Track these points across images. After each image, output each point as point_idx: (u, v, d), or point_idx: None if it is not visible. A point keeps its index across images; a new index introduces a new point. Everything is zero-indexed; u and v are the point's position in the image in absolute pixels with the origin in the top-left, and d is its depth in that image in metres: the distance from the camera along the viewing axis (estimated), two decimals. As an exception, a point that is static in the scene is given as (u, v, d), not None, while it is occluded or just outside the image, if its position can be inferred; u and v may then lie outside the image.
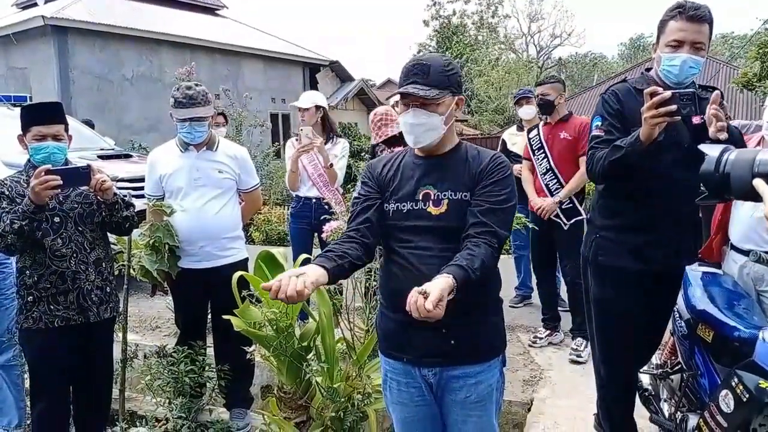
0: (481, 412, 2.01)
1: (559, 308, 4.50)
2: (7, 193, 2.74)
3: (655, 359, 3.12)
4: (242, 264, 3.36)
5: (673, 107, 2.21)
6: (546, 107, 4.23)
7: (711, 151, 2.09)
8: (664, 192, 2.50)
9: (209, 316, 3.55)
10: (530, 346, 4.27)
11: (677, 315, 2.91)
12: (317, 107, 4.41)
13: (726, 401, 2.25)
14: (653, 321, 2.72)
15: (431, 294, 1.59)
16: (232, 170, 3.38)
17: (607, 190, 2.70)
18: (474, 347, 1.97)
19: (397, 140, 3.53)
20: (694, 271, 2.97)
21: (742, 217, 2.78)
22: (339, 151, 4.45)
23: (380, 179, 2.06)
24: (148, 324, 5.25)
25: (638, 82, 2.58)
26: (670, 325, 3.07)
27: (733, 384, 2.21)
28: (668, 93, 2.21)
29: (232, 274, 3.06)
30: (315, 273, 1.74)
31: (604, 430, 2.91)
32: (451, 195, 1.94)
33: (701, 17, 2.42)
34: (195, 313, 3.46)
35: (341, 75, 20.94)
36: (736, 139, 2.36)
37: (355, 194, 2.14)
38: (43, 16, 12.21)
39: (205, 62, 14.46)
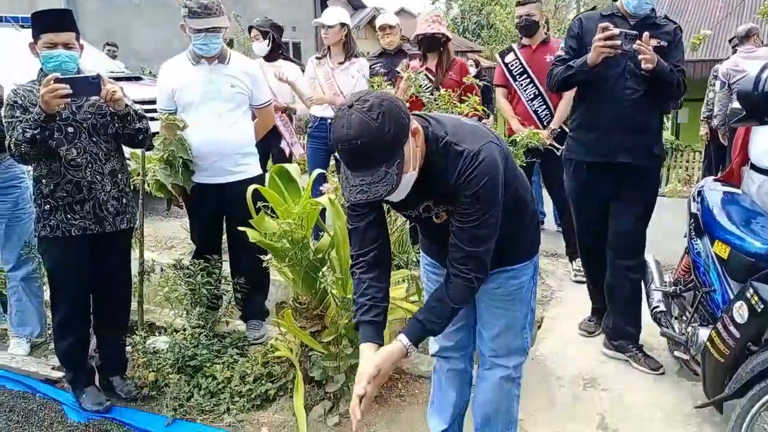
0: (508, 307, 2.09)
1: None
2: (20, 102, 2.72)
3: (668, 277, 3.13)
4: (256, 180, 3.35)
5: (618, 43, 2.71)
6: (530, 28, 4.07)
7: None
8: (608, 97, 2.94)
9: (224, 232, 3.57)
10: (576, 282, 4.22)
11: (693, 232, 2.91)
12: (342, 25, 4.30)
13: (740, 312, 2.26)
14: (601, 205, 3.14)
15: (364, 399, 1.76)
16: (244, 85, 3.32)
17: (575, 98, 3.20)
18: (506, 253, 2.01)
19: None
20: (713, 190, 2.95)
21: (764, 135, 2.75)
22: (356, 70, 4.36)
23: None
24: (164, 243, 5.32)
25: (605, 11, 3.06)
26: (685, 244, 3.07)
27: (749, 295, 2.22)
28: (616, 31, 2.71)
29: (246, 189, 3.05)
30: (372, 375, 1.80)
31: (589, 288, 3.46)
32: (445, 208, 1.90)
33: None
34: (210, 229, 3.48)
35: (353, 2, 20.41)
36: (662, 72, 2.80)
37: (347, 204, 1.95)
38: (48, -66, 11.84)
39: (215, -13, 14.05)
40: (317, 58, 4.52)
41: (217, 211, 3.40)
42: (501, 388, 2.16)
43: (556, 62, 3.07)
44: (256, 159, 3.49)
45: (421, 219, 1.98)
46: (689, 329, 2.73)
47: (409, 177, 1.73)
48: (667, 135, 8.70)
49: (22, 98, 2.72)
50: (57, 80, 2.50)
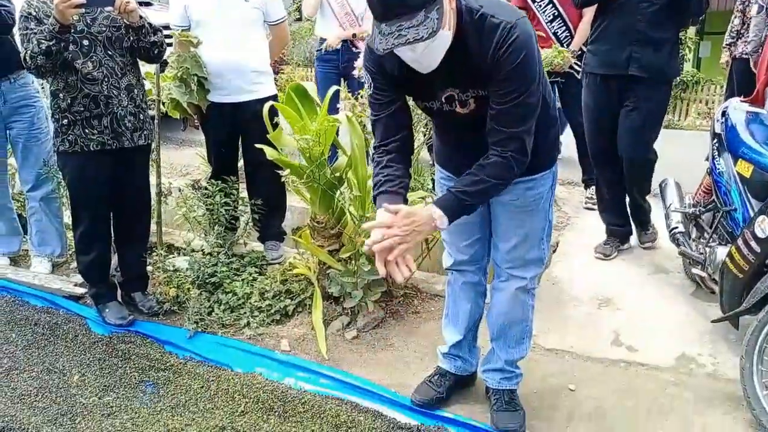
0: (525, 219, 2.04)
1: None
2: (34, 13, 2.68)
3: (688, 199, 3.11)
4: (271, 99, 3.32)
5: None
6: None
7: None
8: (624, 11, 3.05)
9: (240, 154, 3.56)
10: (587, 209, 4.22)
11: (716, 152, 2.87)
12: None
13: (762, 227, 2.25)
14: (612, 118, 3.27)
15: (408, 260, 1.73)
16: (258, 0, 3.25)
17: (596, 14, 3.28)
18: (530, 165, 1.91)
19: None
20: (737, 109, 2.90)
21: None
22: None
23: (389, 77, 1.83)
24: (179, 171, 5.33)
25: None
26: (707, 166, 3.04)
27: (772, 208, 2.20)
28: None
29: (261, 108, 3.02)
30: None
31: (599, 209, 3.58)
32: (475, 93, 1.80)
33: None
34: (226, 149, 3.47)
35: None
36: None
37: (369, 92, 1.92)
38: None
39: None
40: None
41: (233, 131, 3.38)
42: (517, 299, 2.15)
43: None
44: (272, 78, 3.45)
45: (442, 112, 1.89)
46: (707, 248, 2.73)
47: (446, 37, 1.64)
48: (687, 67, 8.47)
49: (36, 10, 2.69)
50: None
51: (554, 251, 3.61)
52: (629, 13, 3.05)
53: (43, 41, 2.55)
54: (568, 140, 4.46)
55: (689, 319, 2.84)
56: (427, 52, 1.64)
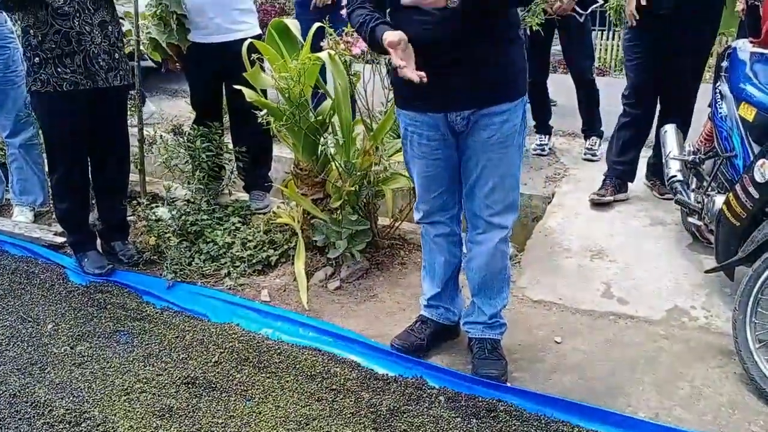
0: (503, 155, 1.96)
1: None
2: None
3: (688, 146, 2.97)
4: (256, 39, 3.16)
5: None
6: None
7: None
8: None
9: (225, 99, 3.42)
10: (538, 155, 4.11)
11: (719, 96, 2.72)
12: None
13: (762, 171, 2.13)
14: (657, 55, 3.19)
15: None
16: None
17: None
18: (505, 85, 1.92)
19: None
20: (742, 51, 2.73)
21: None
22: None
23: None
24: (169, 122, 5.18)
25: None
26: (708, 113, 2.89)
27: (773, 151, 2.07)
28: None
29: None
30: None
31: (612, 140, 3.46)
32: None
33: None
34: (209, 92, 3.33)
35: None
36: None
37: None
38: None
39: None
40: None
41: (216, 73, 3.23)
42: (497, 251, 2.06)
43: None
44: (255, 17, 3.28)
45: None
46: (705, 197, 2.61)
47: None
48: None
49: None
50: None
51: (549, 202, 3.49)
52: None
53: None
54: (568, 90, 4.32)
55: (684, 272, 2.73)
56: None
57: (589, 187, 3.52)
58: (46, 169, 3.47)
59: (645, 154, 3.57)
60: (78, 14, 2.64)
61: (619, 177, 3.40)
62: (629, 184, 3.45)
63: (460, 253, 2.24)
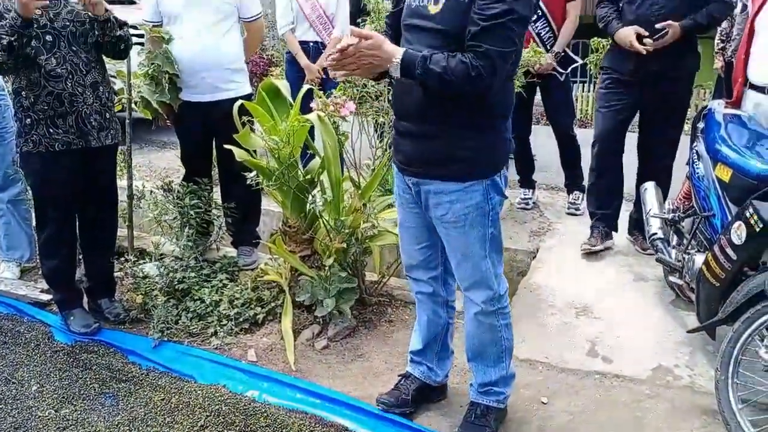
0: (460, 234, 1.95)
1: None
2: None
3: (668, 204, 3.05)
4: (246, 99, 3.23)
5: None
6: None
7: None
8: (638, 17, 3.13)
9: (215, 155, 3.47)
10: (522, 209, 4.19)
11: (695, 156, 2.81)
12: None
13: (738, 233, 2.19)
14: (629, 113, 3.36)
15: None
16: None
17: None
18: (449, 162, 1.89)
19: None
20: (716, 112, 2.84)
21: (760, 52, 2.71)
22: None
23: None
24: (158, 174, 5.23)
25: None
26: (686, 170, 2.98)
27: (748, 215, 2.14)
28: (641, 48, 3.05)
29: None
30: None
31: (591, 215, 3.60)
32: None
33: None
34: (198, 150, 3.39)
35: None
36: None
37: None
38: None
39: None
40: None
41: (206, 131, 3.30)
42: (481, 323, 2.07)
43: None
44: (246, 76, 3.36)
45: (415, 12, 1.86)
46: (685, 255, 2.66)
47: None
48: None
49: None
50: None
51: (534, 257, 3.54)
52: (642, 19, 3.11)
53: (4, 36, 2.46)
54: (550, 143, 4.42)
55: (667, 329, 2.77)
56: None
57: (573, 241, 3.58)
58: (34, 224, 3.50)
59: (627, 208, 3.66)
60: (71, 76, 2.69)
61: (604, 226, 3.49)
62: (614, 232, 3.54)
63: (446, 315, 2.25)
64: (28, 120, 2.69)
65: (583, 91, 8.33)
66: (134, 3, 6.74)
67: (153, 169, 5.32)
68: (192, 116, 3.24)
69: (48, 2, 2.50)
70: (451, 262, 2.03)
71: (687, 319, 2.79)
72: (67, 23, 2.68)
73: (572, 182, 4.13)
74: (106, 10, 2.66)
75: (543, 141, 4.83)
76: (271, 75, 8.94)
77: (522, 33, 1.80)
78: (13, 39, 2.46)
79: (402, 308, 3.01)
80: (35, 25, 2.56)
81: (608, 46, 3.49)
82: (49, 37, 2.64)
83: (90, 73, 2.75)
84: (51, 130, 2.69)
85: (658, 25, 3.03)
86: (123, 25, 2.79)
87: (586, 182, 4.10)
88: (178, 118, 3.30)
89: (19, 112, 2.72)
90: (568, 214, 4.07)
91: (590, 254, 3.43)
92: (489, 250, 1.97)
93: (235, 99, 3.13)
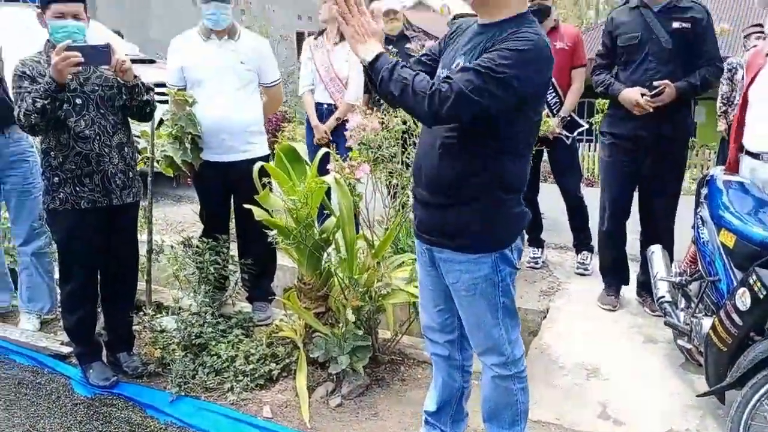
0: (470, 302, 2.01)
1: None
2: (28, 72, 2.72)
3: (675, 268, 3.12)
4: (264, 160, 3.36)
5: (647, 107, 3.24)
6: (542, 14, 3.94)
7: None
8: (634, 80, 3.31)
9: (232, 212, 3.59)
10: (531, 268, 4.26)
11: (700, 222, 2.89)
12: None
13: (743, 299, 2.25)
14: (631, 178, 3.51)
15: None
16: (253, 62, 3.35)
17: None
18: (459, 234, 1.94)
19: None
20: (720, 178, 2.94)
21: (754, 119, 2.84)
22: (348, 52, 4.14)
23: (447, 41, 2.05)
24: (174, 227, 5.36)
25: (632, 3, 3.37)
26: (692, 234, 3.06)
27: (752, 282, 2.20)
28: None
29: (253, 169, 3.07)
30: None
31: (601, 269, 3.74)
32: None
33: None
34: (217, 207, 3.51)
35: (370, -6, 20.32)
36: None
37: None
38: None
39: (231, -25, 14.09)
40: (314, 37, 4.43)
41: (225, 190, 3.43)
42: (497, 386, 2.12)
43: (597, 63, 3.55)
44: (265, 138, 3.51)
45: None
46: (693, 319, 2.72)
47: None
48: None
49: (30, 69, 2.73)
50: (69, 48, 2.52)
51: (544, 317, 3.59)
52: (638, 82, 3.28)
53: (38, 100, 2.59)
54: (558, 202, 4.52)
55: (677, 392, 2.80)
56: None
57: (583, 300, 3.64)
58: (56, 278, 3.60)
59: (633, 268, 3.73)
60: (98, 137, 2.82)
61: (617, 281, 3.66)
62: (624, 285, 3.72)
63: (461, 379, 2.28)
64: (56, 178, 2.81)
65: (589, 150, 8.49)
66: (154, 62, 7.02)
67: (169, 223, 5.45)
68: (212, 175, 3.37)
69: (80, 68, 2.64)
70: (465, 327, 2.09)
71: (697, 383, 2.82)
72: (96, 87, 2.83)
73: (581, 242, 4.21)
74: (135, 76, 2.81)
75: (551, 199, 4.92)
76: (284, 130, 9.22)
77: (503, 99, 1.74)
78: (46, 102, 2.59)
79: (415, 367, 3.06)
80: (66, 89, 2.68)
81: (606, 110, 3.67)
82: (78, 101, 2.78)
83: (116, 134, 2.89)
84: (77, 189, 2.81)
85: (655, 83, 3.18)
86: (149, 89, 2.94)
87: (594, 242, 4.19)
88: (198, 177, 3.43)
89: (47, 170, 2.84)
90: (578, 274, 4.13)
91: (599, 314, 3.49)
92: (501, 317, 2.01)
93: (253, 160, 3.25)
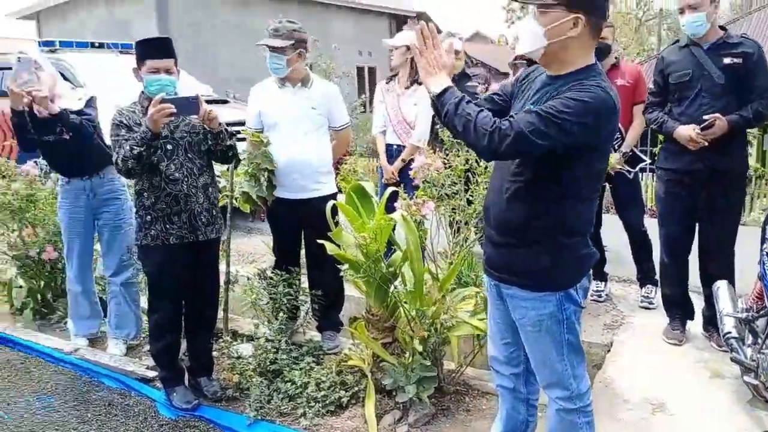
0: (536, 338, 2.10)
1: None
2: (125, 122, 3.02)
3: (741, 304, 3.11)
4: (332, 197, 3.57)
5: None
6: (603, 52, 3.99)
7: None
8: (688, 116, 3.37)
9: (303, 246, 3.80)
10: (595, 301, 4.27)
11: (765, 257, 2.89)
12: (408, 48, 4.44)
13: (810, 338, 2.25)
14: (689, 213, 3.52)
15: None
16: (323, 107, 3.59)
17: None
18: (525, 273, 2.05)
19: None
20: (788, 214, 2.93)
21: None
22: (418, 97, 4.40)
23: (518, 87, 2.16)
24: (246, 258, 5.63)
25: (682, 42, 3.47)
26: (758, 270, 3.05)
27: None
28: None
29: (323, 206, 3.27)
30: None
31: (664, 303, 3.76)
32: None
33: None
34: (289, 241, 3.73)
35: (428, 27, 20.66)
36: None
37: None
38: (145, -32, 12.80)
39: (296, 14, 14.66)
40: (386, 82, 4.69)
41: (296, 225, 3.65)
42: (561, 419, 2.18)
43: (650, 101, 3.65)
44: (332, 177, 3.73)
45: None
46: (760, 355, 2.71)
47: (538, 32, 1.91)
48: (751, 162, 8.40)
49: (127, 118, 3.03)
50: (162, 101, 2.80)
51: (608, 351, 3.61)
52: (692, 118, 3.34)
53: (135, 147, 2.87)
54: (621, 234, 4.53)
55: (744, 428, 2.78)
56: (524, 26, 1.96)
57: (648, 334, 3.65)
58: (143, 306, 3.87)
59: (699, 301, 3.70)
60: (186, 179, 3.09)
61: (682, 315, 3.67)
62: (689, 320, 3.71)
63: (525, 413, 2.36)
64: (149, 217, 3.08)
65: (653, 180, 8.38)
66: (227, 102, 7.44)
67: (241, 254, 5.72)
68: (284, 211, 3.61)
69: (173, 118, 2.91)
70: (531, 362, 2.19)
71: (765, 419, 2.80)
72: (185, 134, 3.10)
73: (645, 276, 4.21)
74: (220, 124, 3.07)
75: (614, 232, 4.92)
76: (345, 162, 9.53)
77: (561, 143, 1.84)
78: (142, 149, 2.87)
79: (479, 398, 3.14)
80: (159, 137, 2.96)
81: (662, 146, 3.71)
82: (169, 146, 3.05)
83: (202, 176, 3.15)
84: (167, 226, 3.07)
85: (705, 117, 3.24)
86: (232, 135, 3.19)
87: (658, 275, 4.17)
88: (271, 213, 3.67)
89: (140, 210, 3.11)
90: (642, 308, 4.13)
91: (665, 348, 3.49)
92: (566, 353, 2.09)
93: (321, 198, 3.49)
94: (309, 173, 3.56)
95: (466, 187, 3.30)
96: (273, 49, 3.43)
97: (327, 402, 3.11)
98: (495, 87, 4.02)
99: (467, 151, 3.09)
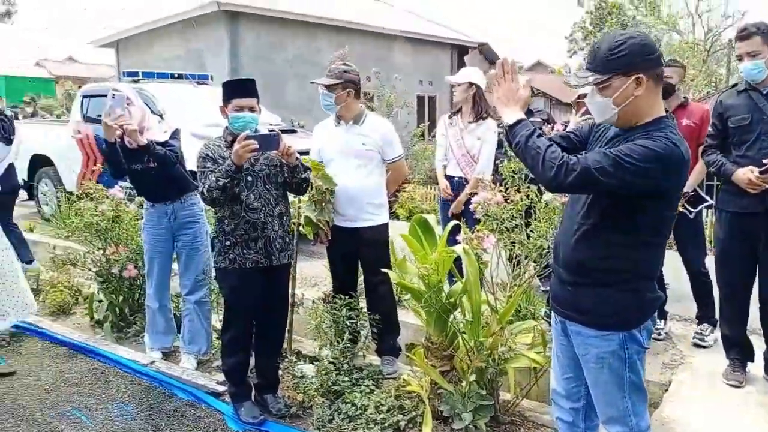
0: (598, 375, 2.17)
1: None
2: (210, 155, 3.28)
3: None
4: (383, 227, 3.82)
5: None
6: (666, 92, 4.00)
7: None
8: (750, 158, 3.40)
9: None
10: (654, 339, 4.25)
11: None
12: (470, 84, 4.61)
13: None
14: (750, 252, 3.52)
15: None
16: (374, 143, 3.81)
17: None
18: (589, 312, 2.14)
19: None
20: None
21: None
22: (482, 132, 4.58)
23: (593, 132, 2.28)
24: (308, 281, 5.85)
25: (740, 86, 3.53)
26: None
27: None
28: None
29: (374, 235, 3.50)
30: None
31: (723, 344, 3.72)
32: None
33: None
34: (345, 268, 3.96)
35: (490, 57, 20.90)
36: None
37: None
38: (218, 2, 13.46)
39: (359, 45, 15.16)
40: (449, 116, 4.88)
41: (351, 251, 3.87)
42: None
43: (708, 143, 3.70)
44: (385, 209, 3.95)
45: None
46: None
47: (607, 104, 2.03)
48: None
49: (212, 152, 3.29)
50: (247, 137, 3.04)
51: (666, 390, 3.61)
52: (754, 160, 3.37)
53: (220, 179, 3.12)
54: (683, 272, 4.51)
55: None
56: (592, 103, 2.08)
57: (707, 375, 3.63)
58: (216, 325, 4.12)
59: (760, 342, 3.67)
60: (264, 208, 3.31)
61: (742, 357, 3.65)
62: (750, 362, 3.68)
63: None
64: (228, 242, 3.31)
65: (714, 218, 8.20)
66: (294, 132, 7.77)
67: (304, 277, 5.94)
68: (339, 238, 3.85)
69: (256, 153, 3.15)
70: (592, 396, 2.26)
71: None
72: (264, 167, 3.34)
73: (703, 315, 4.19)
74: (297, 158, 3.30)
75: (676, 269, 4.90)
76: (404, 190, 9.73)
77: (625, 186, 1.94)
78: (227, 181, 3.12)
79: (534, 429, 3.21)
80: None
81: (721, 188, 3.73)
82: (249, 178, 3.29)
83: (278, 205, 3.37)
84: (245, 251, 3.30)
85: (765, 161, 3.26)
86: (307, 168, 3.41)
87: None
88: (330, 240, 3.88)
89: (220, 235, 3.35)
90: (693, 344, 4.12)
91: (724, 390, 3.48)
92: (628, 392, 2.15)
93: (374, 227, 3.76)
94: (362, 205, 3.80)
95: (527, 221, 3.41)
96: (324, 87, 3.70)
97: (386, 425, 3.23)
98: (559, 126, 4.14)
99: (527, 187, 3.21)
